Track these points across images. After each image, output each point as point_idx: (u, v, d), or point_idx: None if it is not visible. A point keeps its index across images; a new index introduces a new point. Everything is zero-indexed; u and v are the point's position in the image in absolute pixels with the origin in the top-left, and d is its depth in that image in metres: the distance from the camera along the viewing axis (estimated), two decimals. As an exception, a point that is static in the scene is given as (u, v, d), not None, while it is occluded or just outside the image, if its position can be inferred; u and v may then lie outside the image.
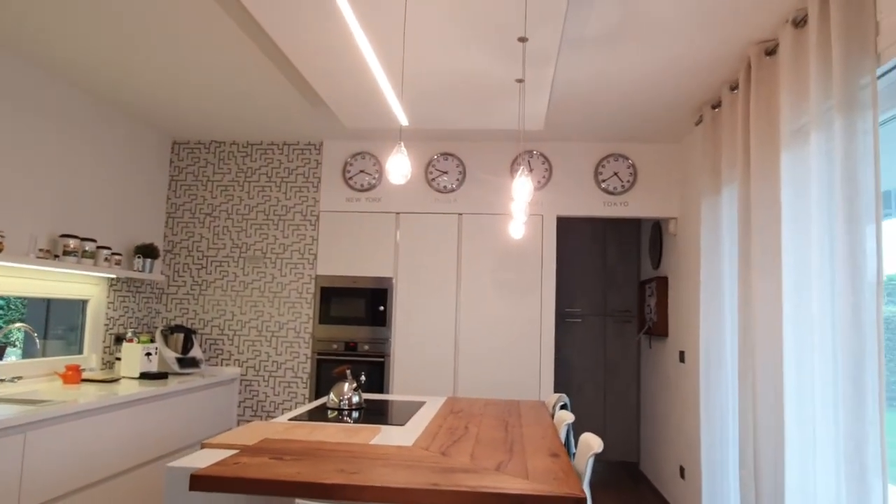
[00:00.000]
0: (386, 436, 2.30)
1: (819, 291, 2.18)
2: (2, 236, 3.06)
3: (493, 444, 2.14)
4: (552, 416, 3.00)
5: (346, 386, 3.00)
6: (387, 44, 2.66)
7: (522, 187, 2.00)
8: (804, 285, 2.37)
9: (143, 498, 3.31)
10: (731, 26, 2.66)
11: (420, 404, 3.20)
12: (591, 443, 2.03)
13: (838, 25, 2.11)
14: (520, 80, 2.97)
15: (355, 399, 2.98)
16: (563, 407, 3.03)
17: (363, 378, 4.12)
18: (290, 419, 2.62)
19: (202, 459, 1.87)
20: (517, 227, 2.89)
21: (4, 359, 3.23)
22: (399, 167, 1.70)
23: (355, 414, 2.84)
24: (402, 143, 1.74)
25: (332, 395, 2.99)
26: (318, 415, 2.77)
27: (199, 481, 1.57)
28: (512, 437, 2.29)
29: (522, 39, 2.52)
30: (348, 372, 3.06)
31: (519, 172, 2.06)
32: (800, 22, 2.47)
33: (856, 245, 2.00)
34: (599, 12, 2.52)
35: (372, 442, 2.17)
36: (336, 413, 2.84)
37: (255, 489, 1.55)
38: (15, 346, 3.52)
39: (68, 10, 2.67)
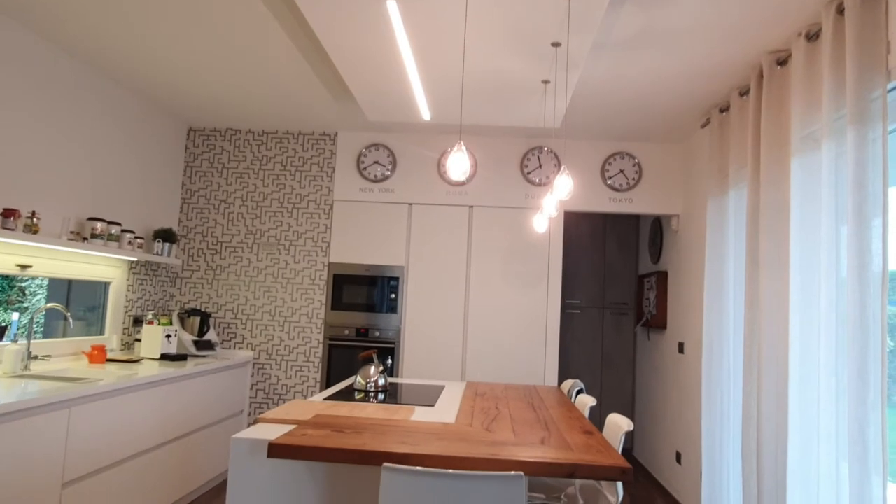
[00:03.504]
0: (422, 414, 2.45)
1: (826, 287, 2.38)
2: (38, 219, 3.14)
3: (529, 423, 2.30)
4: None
5: (373, 369, 3.14)
6: (426, 46, 2.78)
7: (564, 186, 2.16)
8: (811, 282, 2.57)
9: (175, 472, 3.43)
10: (746, 37, 2.83)
11: (440, 388, 3.36)
12: (621, 423, 2.20)
13: (852, 43, 2.29)
14: (546, 82, 3.12)
15: (381, 381, 3.13)
16: (580, 392, 3.20)
17: (390, 362, 4.26)
18: (325, 399, 2.75)
19: (263, 432, 2.00)
20: (543, 221, 3.04)
21: (35, 338, 3.30)
22: (459, 164, 1.84)
23: (381, 395, 2.98)
24: (461, 143, 1.88)
25: (358, 378, 3.13)
26: (347, 395, 2.90)
27: (277, 449, 1.70)
28: (543, 416, 2.45)
29: (556, 44, 2.67)
30: (375, 356, 3.20)
31: (561, 170, 2.21)
32: (812, 36, 2.65)
33: (863, 243, 2.19)
34: (624, 20, 2.67)
35: (412, 419, 2.32)
36: (363, 394, 2.98)
37: (329, 457, 1.69)
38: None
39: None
